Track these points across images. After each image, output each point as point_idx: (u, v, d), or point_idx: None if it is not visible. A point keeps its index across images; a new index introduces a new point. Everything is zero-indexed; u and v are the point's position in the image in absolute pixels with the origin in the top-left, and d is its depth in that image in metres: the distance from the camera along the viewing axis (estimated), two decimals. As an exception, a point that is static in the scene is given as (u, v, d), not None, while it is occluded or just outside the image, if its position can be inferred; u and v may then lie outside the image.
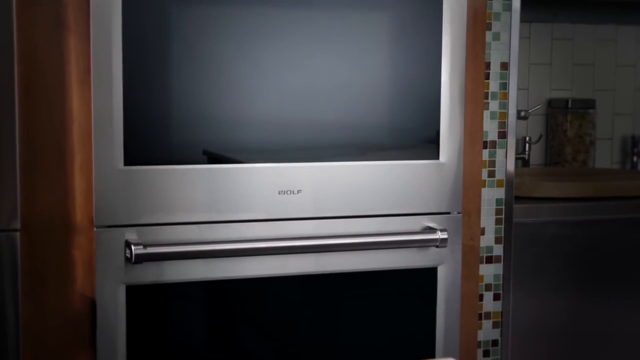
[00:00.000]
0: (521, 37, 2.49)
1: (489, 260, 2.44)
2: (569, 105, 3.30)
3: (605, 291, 2.73)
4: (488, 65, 2.39)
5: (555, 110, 3.34)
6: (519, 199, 2.59)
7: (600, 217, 2.70)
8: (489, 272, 2.44)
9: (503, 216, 2.44)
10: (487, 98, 2.39)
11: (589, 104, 3.33)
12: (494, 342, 2.51)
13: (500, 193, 2.43)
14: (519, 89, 2.83)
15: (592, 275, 2.71)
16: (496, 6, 2.41)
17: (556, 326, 2.66)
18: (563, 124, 3.31)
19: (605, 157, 3.47)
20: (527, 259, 2.59)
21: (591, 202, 2.70)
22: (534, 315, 2.62)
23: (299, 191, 2.14)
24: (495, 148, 2.41)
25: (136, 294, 2.04)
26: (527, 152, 3.30)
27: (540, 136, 3.34)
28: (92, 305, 2.01)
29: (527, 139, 3.30)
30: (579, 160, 3.30)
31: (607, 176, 3.00)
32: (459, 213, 2.30)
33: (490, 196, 2.42)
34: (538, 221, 2.61)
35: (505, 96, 2.40)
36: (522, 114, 3.08)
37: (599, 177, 2.94)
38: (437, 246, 2.25)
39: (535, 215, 2.60)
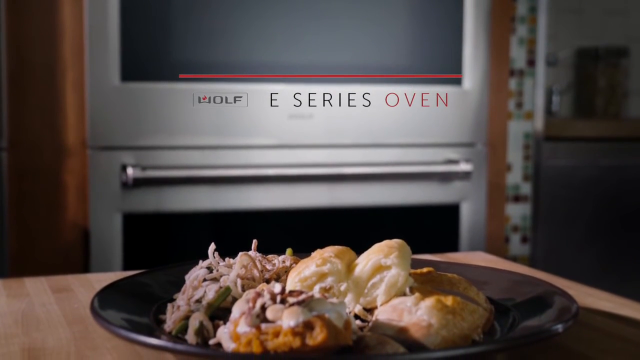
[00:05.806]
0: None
1: (516, 199, 2.26)
2: (599, 54, 3.11)
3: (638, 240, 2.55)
4: (516, -14, 2.21)
5: (584, 59, 3.16)
6: (549, 139, 2.39)
7: (637, 162, 2.51)
8: (517, 212, 2.26)
9: (531, 152, 2.26)
10: (514, 21, 2.21)
11: (622, 53, 3.13)
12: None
13: (528, 127, 2.25)
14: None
15: (626, 222, 2.52)
16: None
17: (588, 275, 2.48)
18: (593, 74, 3.12)
19: (638, 109, 3.27)
20: (557, 203, 2.40)
21: (626, 143, 2.50)
22: (564, 261, 2.44)
23: (310, 115, 1.97)
24: (522, 77, 2.22)
25: (133, 222, 1.89)
26: (554, 103, 3.11)
27: (569, 86, 3.15)
28: (85, 234, 1.86)
29: (555, 89, 3.12)
30: (610, 112, 3.11)
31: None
32: (483, 146, 2.13)
33: (517, 129, 2.23)
34: (569, 164, 2.42)
35: (534, 20, 2.22)
36: (550, 59, 2.89)
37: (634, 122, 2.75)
38: (460, 179, 2.08)
39: (565, 155, 2.41)
